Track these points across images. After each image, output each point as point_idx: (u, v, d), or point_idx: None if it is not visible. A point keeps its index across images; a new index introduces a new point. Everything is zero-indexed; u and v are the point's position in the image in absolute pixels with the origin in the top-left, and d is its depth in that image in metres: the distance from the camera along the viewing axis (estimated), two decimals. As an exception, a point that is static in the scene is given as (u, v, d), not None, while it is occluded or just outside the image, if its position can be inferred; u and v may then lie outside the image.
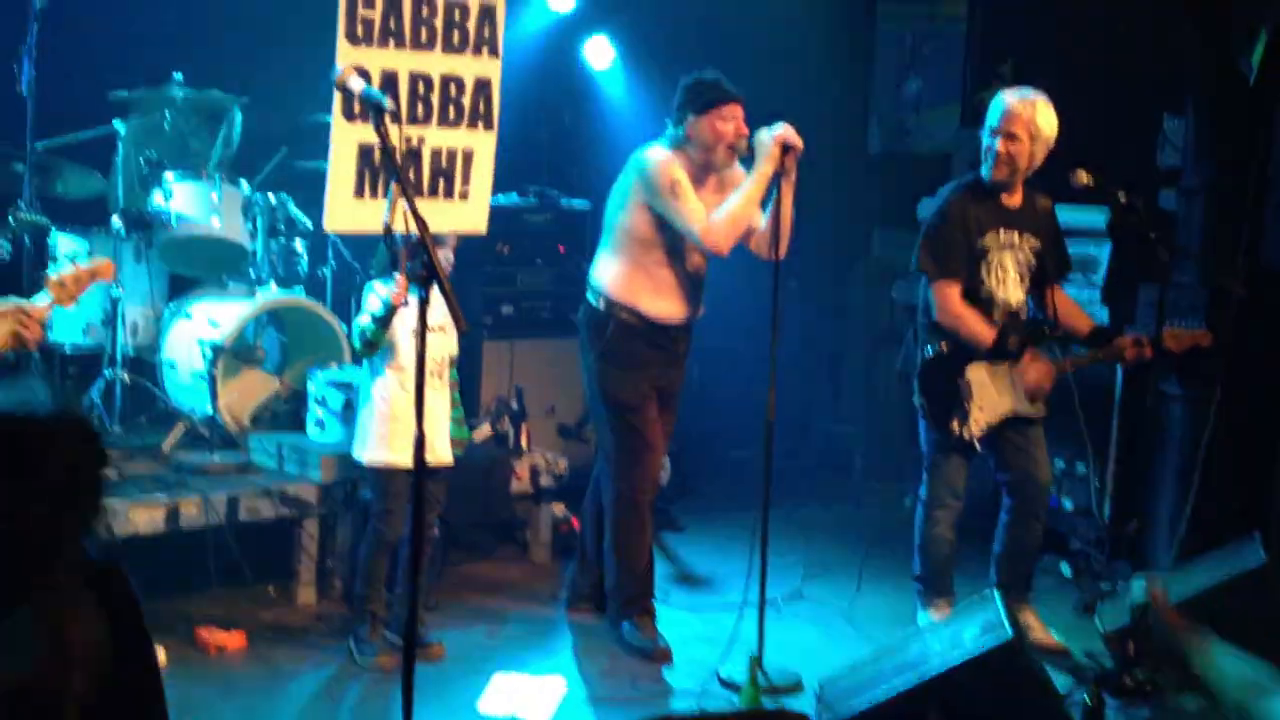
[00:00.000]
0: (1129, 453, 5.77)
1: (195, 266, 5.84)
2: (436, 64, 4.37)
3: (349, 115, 4.25)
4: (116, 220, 5.50)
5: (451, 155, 4.42)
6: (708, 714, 3.82)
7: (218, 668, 4.45)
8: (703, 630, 5.00)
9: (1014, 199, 4.83)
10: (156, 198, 5.59)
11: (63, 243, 5.61)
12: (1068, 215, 5.98)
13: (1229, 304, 5.23)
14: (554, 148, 7.19)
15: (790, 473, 7.16)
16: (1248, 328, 5.24)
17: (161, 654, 4.38)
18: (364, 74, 4.08)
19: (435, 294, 3.11)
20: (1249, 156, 5.28)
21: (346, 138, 4.04)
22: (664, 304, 4.70)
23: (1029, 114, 4.67)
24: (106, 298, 5.52)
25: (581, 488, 6.30)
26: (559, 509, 6.03)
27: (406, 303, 4.28)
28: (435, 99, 4.38)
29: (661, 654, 4.68)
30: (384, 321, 4.38)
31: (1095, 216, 5.85)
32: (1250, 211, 5.29)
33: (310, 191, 6.12)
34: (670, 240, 4.63)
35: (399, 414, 4.51)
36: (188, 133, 5.92)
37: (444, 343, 4.56)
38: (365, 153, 4.26)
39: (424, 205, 4.41)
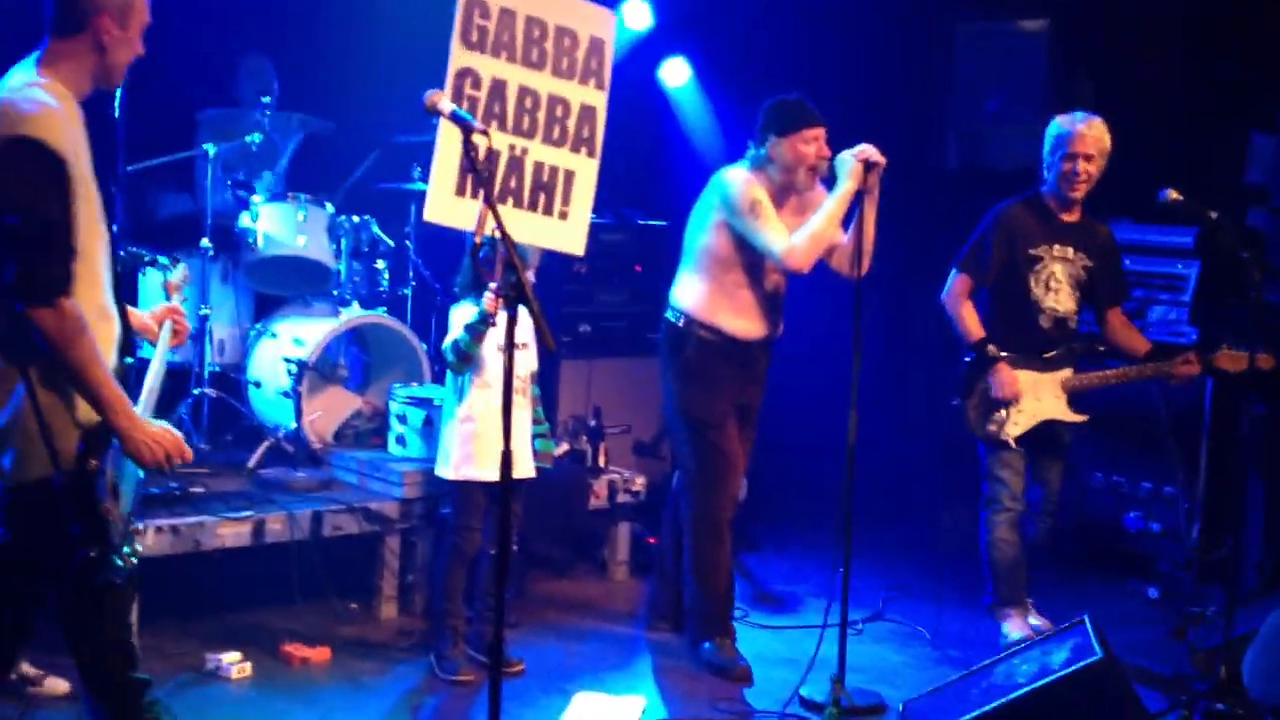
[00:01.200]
0: (1218, 475, 5.66)
1: (281, 286, 5.94)
2: (545, 84, 4.42)
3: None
4: (205, 241, 5.61)
5: (554, 172, 4.45)
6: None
7: (301, 680, 4.50)
8: (782, 650, 4.97)
9: (1072, 216, 4.99)
10: (244, 218, 5.70)
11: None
12: (1155, 235, 5.93)
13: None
14: (631, 167, 7.21)
15: (862, 492, 7.10)
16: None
17: (247, 666, 4.47)
18: (475, 78, 4.13)
19: (521, 312, 3.13)
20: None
21: (453, 134, 4.07)
22: (743, 322, 4.70)
23: (1098, 135, 4.91)
24: (195, 316, 5.63)
25: (658, 505, 6.32)
26: (636, 527, 6.05)
27: (494, 322, 4.33)
28: (542, 116, 4.42)
29: (742, 673, 4.66)
30: (478, 332, 4.42)
31: (1183, 236, 5.76)
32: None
33: (392, 212, 6.23)
34: (750, 260, 4.63)
35: (483, 430, 4.55)
36: (275, 154, 6.03)
37: (527, 359, 4.61)
38: (453, 115, 4.30)
39: (522, 217, 4.50)
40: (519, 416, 4.51)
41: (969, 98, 7.94)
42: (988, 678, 4.01)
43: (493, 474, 4.41)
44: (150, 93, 5.52)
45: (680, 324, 4.74)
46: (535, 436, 4.77)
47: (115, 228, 5.34)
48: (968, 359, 5.03)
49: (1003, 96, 7.85)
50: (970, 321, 4.97)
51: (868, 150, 4.43)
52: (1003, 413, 4.94)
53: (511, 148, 4.37)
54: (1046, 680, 3.72)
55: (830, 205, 4.48)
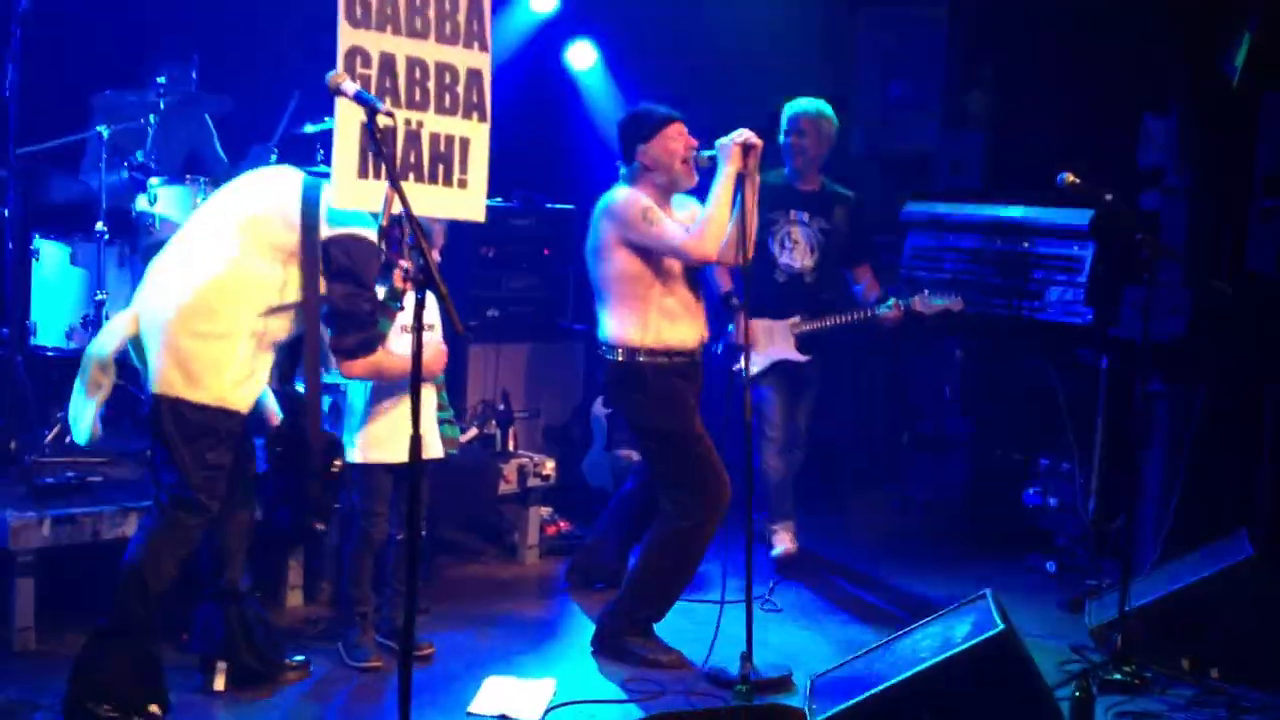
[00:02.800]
0: (1114, 450, 5.81)
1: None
2: (431, 52, 4.37)
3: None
4: (100, 225, 5.48)
5: (449, 141, 4.40)
6: (702, 712, 3.82)
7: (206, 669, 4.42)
8: (689, 628, 4.99)
9: (810, 186, 5.86)
10: (140, 201, 5.57)
11: (45, 248, 5.58)
12: (1052, 216, 6.06)
13: (1213, 303, 5.28)
14: (537, 151, 7.19)
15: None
16: (1231, 326, 5.29)
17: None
18: (364, 56, 4.09)
19: (429, 295, 3.11)
20: (1233, 157, 5.33)
21: (350, 117, 4.03)
22: (683, 327, 4.69)
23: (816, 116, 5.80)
24: (90, 301, 5.50)
25: (569, 487, 6.34)
26: (546, 511, 6.05)
27: (402, 305, 4.29)
28: (432, 86, 4.36)
29: (675, 660, 4.67)
30: (391, 313, 4.38)
31: (1078, 217, 5.88)
32: (1234, 212, 5.34)
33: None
34: (660, 267, 4.66)
35: (388, 412, 4.52)
36: (171, 136, 5.90)
37: (434, 342, 4.57)
38: (357, 95, 4.26)
39: (424, 191, 4.44)
40: (425, 398, 4.47)
41: (872, 84, 8.03)
42: (892, 652, 4.08)
43: (398, 456, 4.39)
44: (43, 74, 5.40)
45: (625, 360, 4.67)
46: (441, 422, 4.74)
47: (4, 211, 5.29)
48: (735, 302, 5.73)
49: (905, 82, 7.96)
50: (720, 278, 5.67)
51: (744, 134, 4.51)
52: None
53: (408, 122, 4.32)
54: (949, 654, 3.79)
55: (717, 189, 4.53)
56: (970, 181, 6.91)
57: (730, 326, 5.63)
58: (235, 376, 3.96)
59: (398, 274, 4.29)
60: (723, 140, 4.53)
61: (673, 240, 4.56)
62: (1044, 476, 6.11)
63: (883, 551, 6.32)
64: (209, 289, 3.91)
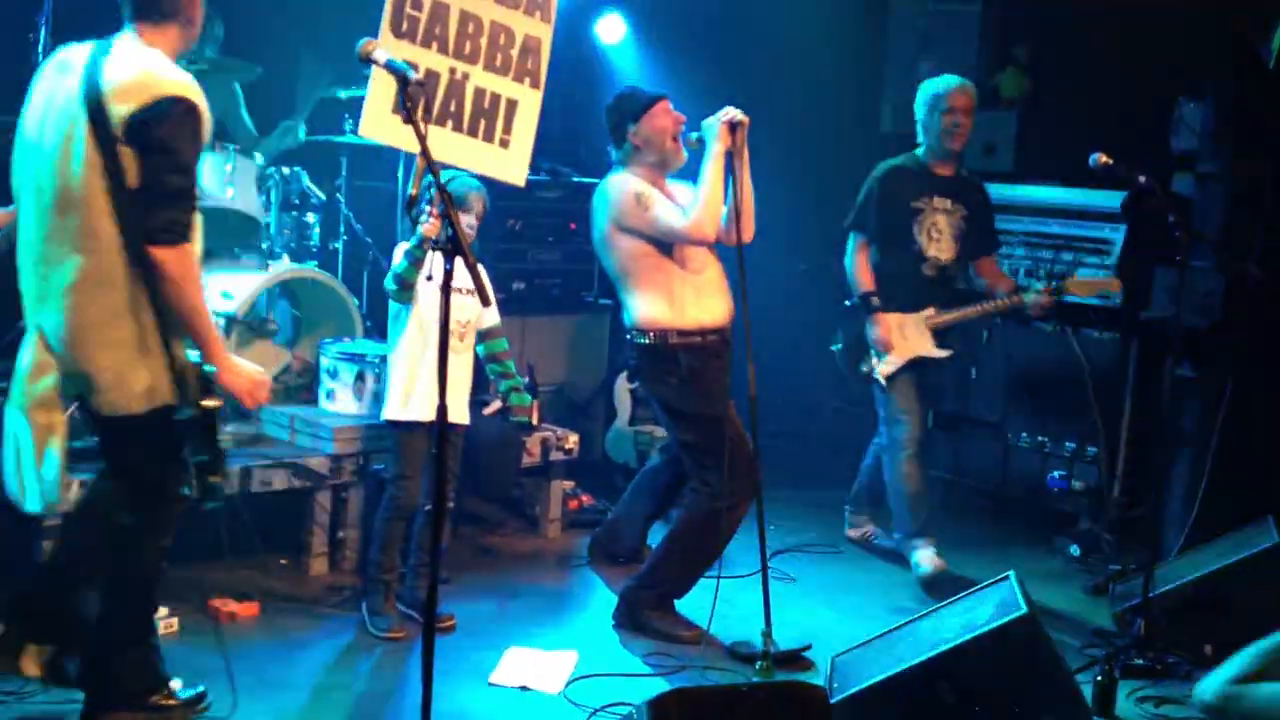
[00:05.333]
0: (1141, 435, 5.77)
1: (208, 237, 5.75)
2: (488, 10, 4.36)
3: (397, 32, 4.23)
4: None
5: (495, 99, 4.38)
6: (724, 688, 3.82)
7: (230, 636, 4.45)
8: (707, 602, 4.98)
9: (947, 171, 5.48)
10: (170, 168, 5.57)
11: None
12: (1083, 198, 6.01)
13: (1245, 288, 5.23)
14: (566, 125, 7.17)
15: (799, 454, 7.18)
16: (1262, 312, 5.24)
17: (174, 621, 4.42)
18: (415, 1, 4.06)
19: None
20: (1268, 142, 5.27)
21: (393, 50, 4.01)
22: (710, 303, 4.66)
23: (969, 94, 5.41)
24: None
25: (591, 462, 6.34)
26: (568, 485, 6.05)
27: (436, 242, 4.25)
28: (484, 42, 4.36)
29: (694, 636, 4.67)
30: (417, 258, 4.38)
31: (1110, 199, 5.84)
32: (1268, 197, 5.28)
33: (324, 165, 6.13)
34: (668, 244, 4.64)
35: (416, 374, 4.56)
36: (212, 104, 5.87)
37: (470, 307, 4.55)
38: (388, 64, 4.26)
39: (461, 141, 4.42)
40: (455, 363, 4.50)
41: (902, 63, 7.97)
42: (915, 632, 4.07)
43: (422, 415, 4.53)
44: (79, 39, 5.39)
45: (656, 343, 4.64)
46: (510, 390, 4.81)
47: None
48: (847, 304, 5.55)
49: (936, 62, 7.90)
50: (862, 275, 5.44)
51: (731, 112, 4.49)
52: (873, 355, 5.38)
53: (452, 71, 4.31)
54: (972, 635, 3.78)
55: (707, 169, 4.52)
56: (1001, 163, 6.87)
57: (868, 326, 5.40)
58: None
59: (427, 221, 4.28)
60: (709, 120, 4.53)
61: (670, 223, 4.55)
62: (1070, 460, 6.08)
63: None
64: None
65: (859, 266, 5.45)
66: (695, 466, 4.72)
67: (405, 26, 4.56)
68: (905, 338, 5.39)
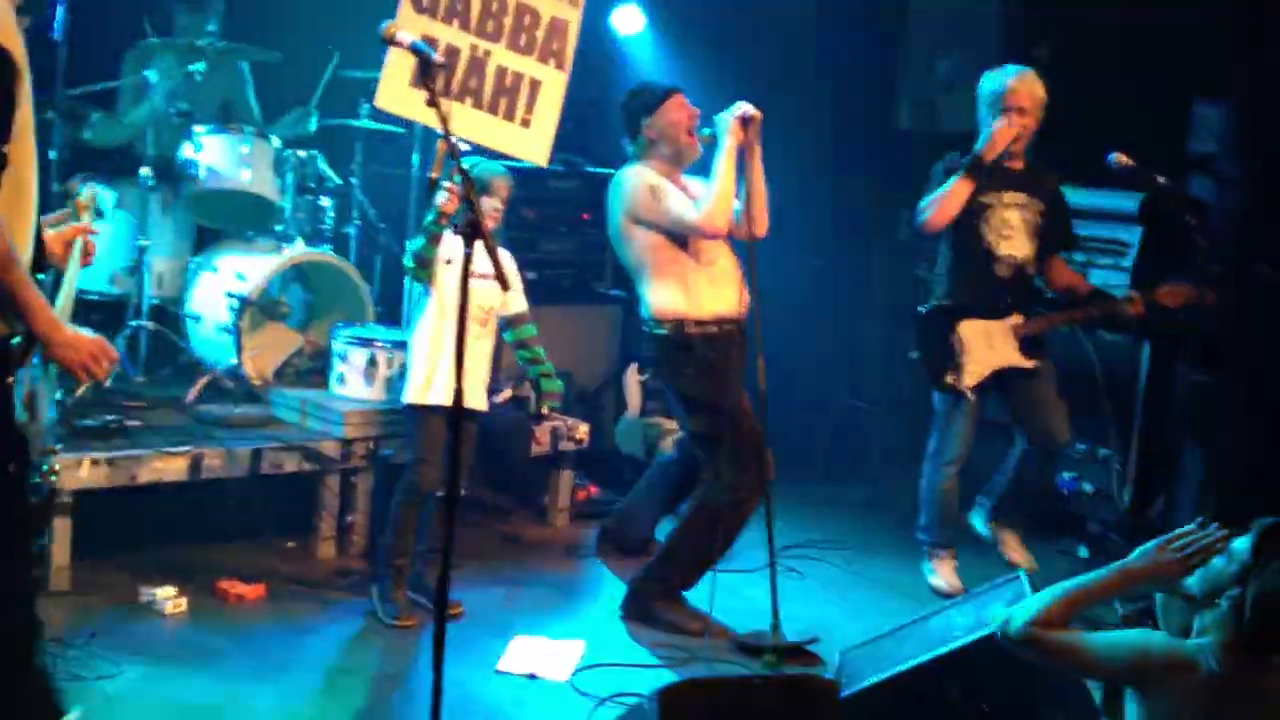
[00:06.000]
0: (1153, 438, 5.75)
1: (223, 219, 5.83)
2: None
3: (418, 7, 4.22)
4: (145, 170, 5.49)
5: (518, 78, 4.39)
6: (732, 679, 3.82)
7: (236, 618, 4.46)
8: (719, 598, 4.97)
9: (1017, 165, 5.16)
10: (186, 149, 5.58)
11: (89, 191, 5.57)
12: (1100, 199, 5.98)
13: (1259, 290, 5.21)
14: (581, 115, 7.15)
15: (808, 450, 7.17)
16: (1277, 315, 5.22)
17: (183, 602, 4.42)
18: None
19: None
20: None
21: (413, 26, 4.02)
22: (725, 293, 4.65)
23: (1031, 87, 5.10)
24: (134, 247, 5.52)
25: (601, 452, 6.33)
26: (577, 476, 6.04)
27: (456, 225, 4.23)
28: (509, 21, 4.37)
29: (700, 626, 4.66)
30: (434, 233, 4.37)
31: (1127, 200, 5.81)
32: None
33: (339, 149, 6.12)
34: (682, 236, 4.63)
35: (438, 358, 4.55)
36: (220, 85, 5.90)
37: (491, 292, 4.52)
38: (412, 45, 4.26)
39: (481, 118, 4.42)
40: (475, 348, 4.49)
41: (920, 60, 7.95)
42: (924, 629, 4.06)
43: (441, 399, 4.49)
44: (89, 18, 5.40)
45: (673, 333, 4.62)
46: (540, 376, 4.81)
47: (53, 153, 5.30)
48: (922, 310, 5.20)
49: (955, 60, 7.87)
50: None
51: (743, 106, 4.49)
52: (958, 363, 5.07)
53: (474, 48, 4.31)
54: (983, 633, 3.77)
55: (720, 163, 4.52)
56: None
57: (950, 333, 5.05)
58: None
59: (443, 195, 4.27)
60: (721, 115, 4.54)
61: (683, 215, 4.55)
62: (1080, 461, 6.07)
63: (910, 526, 6.29)
64: None
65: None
66: (708, 458, 4.71)
67: (426, 3, 4.54)
68: (991, 346, 5.08)
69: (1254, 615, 2.67)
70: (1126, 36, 6.49)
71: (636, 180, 4.62)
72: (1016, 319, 5.09)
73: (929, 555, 5.36)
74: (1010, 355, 5.08)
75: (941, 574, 5.30)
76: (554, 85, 4.53)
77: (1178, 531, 2.89)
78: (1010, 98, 5.03)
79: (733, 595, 4.73)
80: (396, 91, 4.20)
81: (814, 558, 5.66)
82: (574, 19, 4.58)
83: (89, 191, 3.50)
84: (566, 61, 4.59)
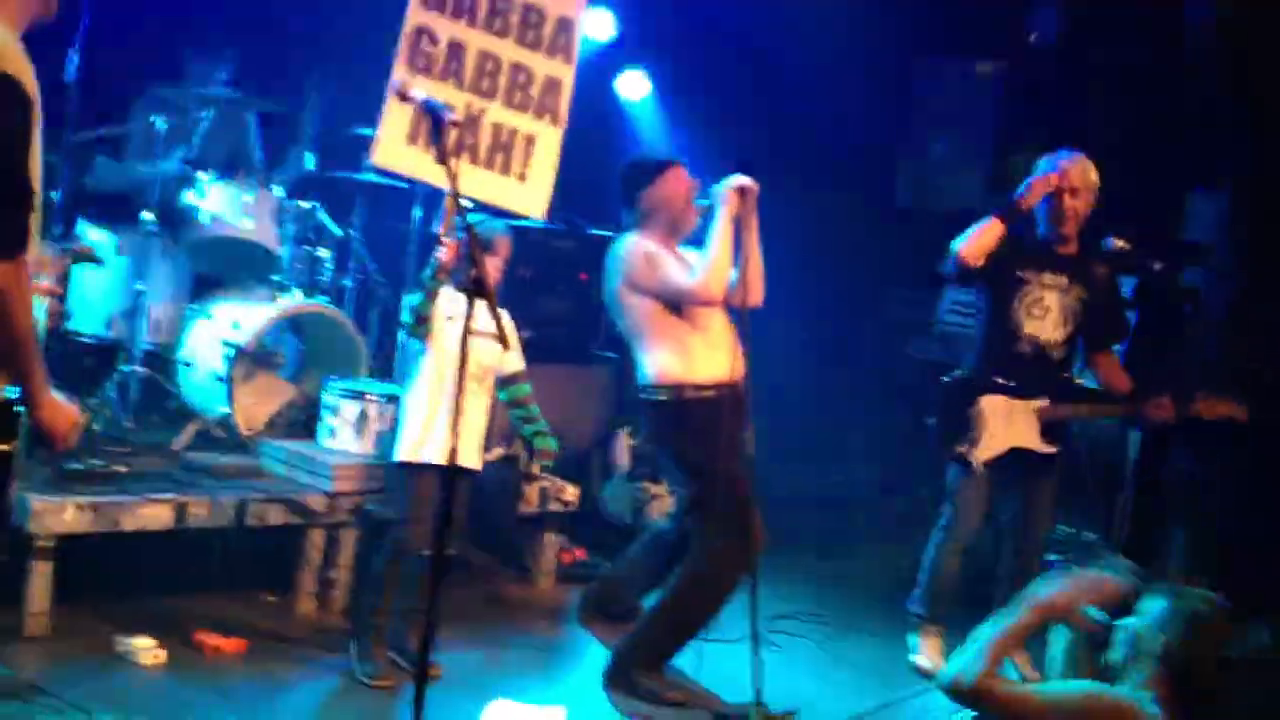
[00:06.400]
0: (1139, 522, 5.75)
1: (222, 267, 5.83)
2: (508, 51, 4.41)
3: (413, 67, 4.25)
4: (147, 215, 5.49)
5: (513, 134, 4.43)
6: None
7: (214, 672, 4.40)
8: (700, 667, 4.93)
9: (1068, 249, 5.08)
10: (189, 196, 5.59)
11: (91, 234, 5.59)
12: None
13: (1256, 384, 5.23)
14: (583, 177, 7.20)
15: (792, 522, 7.12)
16: (1272, 409, 5.24)
17: (161, 653, 4.36)
18: (431, 35, 4.08)
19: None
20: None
21: (410, 83, 4.06)
22: (720, 357, 4.64)
23: (1083, 170, 5.04)
24: (131, 291, 5.51)
25: (585, 515, 6.28)
26: (563, 538, 6.00)
27: (459, 283, 4.22)
28: (503, 80, 4.42)
29: (680, 695, 4.62)
30: (431, 289, 4.37)
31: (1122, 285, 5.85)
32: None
33: (339, 202, 6.15)
34: (679, 303, 4.65)
35: (434, 417, 4.53)
36: (226, 134, 5.93)
37: (491, 350, 4.49)
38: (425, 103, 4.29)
39: (477, 174, 4.44)
40: (471, 406, 4.48)
41: (918, 138, 8.04)
42: (903, 715, 4.03)
43: (442, 458, 4.38)
44: (98, 63, 5.42)
45: (669, 399, 4.63)
46: (535, 434, 4.78)
47: (55, 194, 5.31)
48: (945, 379, 5.16)
49: (951, 139, 7.96)
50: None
51: (739, 178, 4.54)
52: (974, 435, 5.01)
53: (468, 105, 4.35)
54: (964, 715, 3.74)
55: (715, 232, 4.54)
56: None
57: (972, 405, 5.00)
58: None
59: (442, 249, 4.26)
60: (718, 186, 4.58)
61: (678, 283, 4.57)
62: (1065, 544, 6.06)
63: (893, 606, 6.25)
64: None
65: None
66: (700, 525, 4.68)
67: (421, 62, 4.58)
68: (1011, 424, 5.01)
69: (1179, 672, 2.91)
70: (1123, 124, 6.58)
71: (633, 249, 4.64)
72: (1041, 402, 5.01)
73: (917, 629, 5.27)
74: (1029, 437, 5.00)
75: (926, 652, 5.22)
76: (549, 140, 4.58)
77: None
78: (1063, 179, 5.00)
79: (713, 666, 4.68)
80: (393, 148, 4.24)
81: (793, 633, 5.58)
82: (567, 76, 4.64)
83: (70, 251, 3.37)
84: (561, 117, 4.64)
